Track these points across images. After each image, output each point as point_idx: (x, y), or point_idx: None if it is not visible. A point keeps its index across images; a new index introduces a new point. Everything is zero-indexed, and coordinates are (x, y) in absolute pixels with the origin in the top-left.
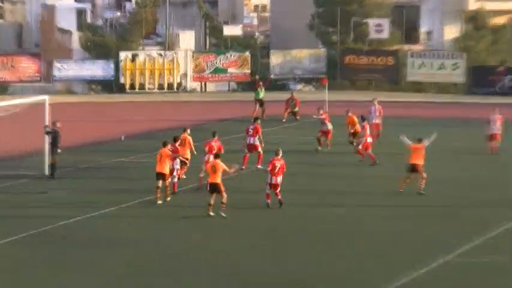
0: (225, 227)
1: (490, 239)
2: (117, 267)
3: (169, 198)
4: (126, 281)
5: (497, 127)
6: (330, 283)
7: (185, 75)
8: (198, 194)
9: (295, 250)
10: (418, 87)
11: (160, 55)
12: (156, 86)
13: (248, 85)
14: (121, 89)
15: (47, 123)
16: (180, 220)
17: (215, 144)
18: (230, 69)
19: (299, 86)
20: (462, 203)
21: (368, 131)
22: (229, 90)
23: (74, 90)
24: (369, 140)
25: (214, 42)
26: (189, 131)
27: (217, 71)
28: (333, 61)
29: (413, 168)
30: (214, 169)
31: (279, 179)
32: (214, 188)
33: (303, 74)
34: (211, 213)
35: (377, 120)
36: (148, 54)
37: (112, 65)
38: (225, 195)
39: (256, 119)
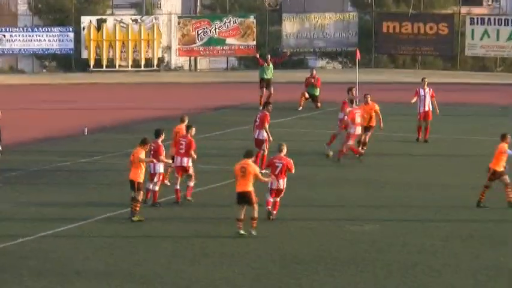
0: (216, 252)
1: None
2: None
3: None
4: None
5: None
6: None
7: (169, 48)
8: (180, 207)
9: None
10: (481, 63)
11: (136, 21)
12: (130, 62)
13: (253, 61)
14: (83, 66)
15: None
16: (162, 242)
17: (183, 141)
18: (229, 40)
19: (321, 63)
20: None
21: (358, 119)
22: (227, 68)
23: (21, 68)
24: (357, 131)
25: (207, 3)
26: (186, 119)
27: (211, 42)
28: (366, 29)
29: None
30: (244, 173)
31: (282, 182)
32: (243, 199)
33: (327, 46)
34: (242, 232)
35: (426, 108)
36: (119, 20)
37: (71, 35)
38: (256, 207)
39: (266, 104)
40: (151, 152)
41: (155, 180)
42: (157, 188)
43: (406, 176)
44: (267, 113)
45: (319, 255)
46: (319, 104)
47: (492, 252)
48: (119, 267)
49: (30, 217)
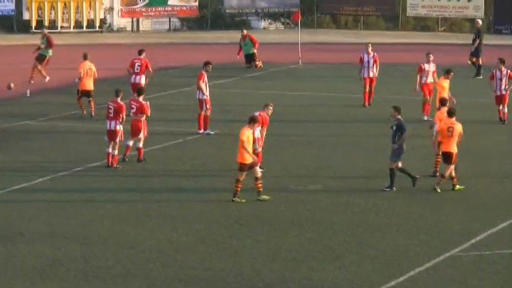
0: (160, 213)
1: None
2: (22, 266)
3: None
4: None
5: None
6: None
7: (111, 9)
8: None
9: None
10: (423, 23)
11: None
12: (73, 23)
13: (196, 22)
14: (25, 27)
15: None
16: (105, 204)
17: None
18: (171, 1)
19: (263, 23)
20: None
21: None
22: (170, 29)
23: None
24: None
25: None
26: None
27: (153, 3)
28: None
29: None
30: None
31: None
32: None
33: (269, 6)
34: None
35: (371, 74)
36: None
37: None
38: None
39: (205, 63)
40: (112, 111)
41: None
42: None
43: (348, 138)
44: (203, 73)
45: (263, 216)
46: (258, 63)
47: (435, 212)
48: (63, 229)
49: None
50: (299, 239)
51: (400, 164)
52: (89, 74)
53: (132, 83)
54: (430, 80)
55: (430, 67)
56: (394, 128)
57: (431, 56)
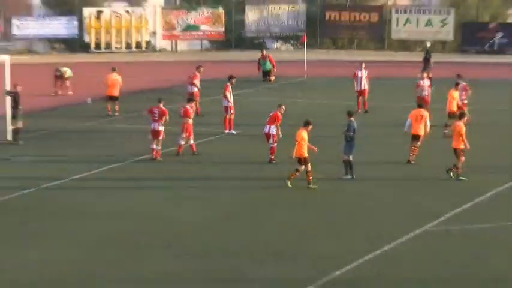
0: (193, 198)
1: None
2: (83, 239)
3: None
4: (94, 256)
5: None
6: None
7: (154, 33)
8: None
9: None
10: (404, 45)
11: (127, 12)
12: (124, 45)
13: (222, 44)
14: (85, 48)
15: (7, 85)
16: (152, 190)
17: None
18: (203, 27)
19: (276, 45)
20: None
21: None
22: (201, 49)
23: (35, 50)
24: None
25: None
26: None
27: (189, 28)
28: (312, 18)
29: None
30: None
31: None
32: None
33: (281, 31)
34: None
35: (362, 87)
36: (114, 10)
37: (75, 23)
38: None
39: (230, 77)
40: (157, 115)
41: (160, 138)
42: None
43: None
44: (228, 84)
45: (278, 198)
46: (271, 78)
47: (412, 196)
48: (117, 209)
49: (46, 170)
50: (307, 216)
51: (351, 158)
52: (114, 83)
53: (189, 92)
54: (363, 87)
55: (362, 73)
56: (346, 127)
57: (363, 64)
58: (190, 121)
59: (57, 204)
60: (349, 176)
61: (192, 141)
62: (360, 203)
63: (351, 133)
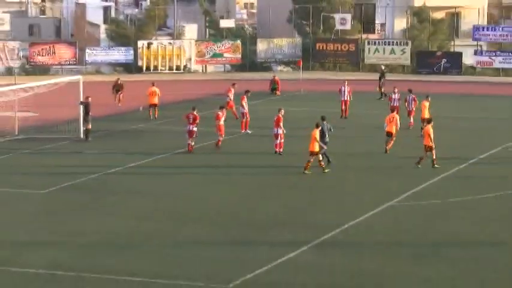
0: (218, 181)
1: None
2: (137, 212)
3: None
4: (145, 224)
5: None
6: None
7: (190, 59)
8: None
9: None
10: (374, 68)
11: (170, 43)
12: (167, 67)
13: (239, 67)
14: (139, 70)
15: (81, 97)
16: (192, 175)
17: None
18: (225, 54)
19: (279, 67)
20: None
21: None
22: (224, 70)
23: (102, 71)
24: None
25: (212, 32)
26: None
27: (215, 55)
28: (306, 47)
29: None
30: None
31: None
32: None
33: (283, 58)
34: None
35: (345, 98)
36: (160, 42)
37: (132, 51)
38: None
39: (246, 91)
40: (191, 119)
41: (194, 136)
42: (191, 142)
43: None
44: (244, 96)
45: (288, 182)
46: (278, 93)
47: (381, 178)
48: (160, 190)
49: (110, 159)
50: (302, 195)
51: (325, 148)
52: (154, 94)
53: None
54: (346, 98)
55: (345, 88)
56: (321, 128)
57: (346, 81)
58: (222, 122)
59: (117, 186)
60: (327, 160)
61: (221, 138)
62: (342, 185)
63: (324, 133)
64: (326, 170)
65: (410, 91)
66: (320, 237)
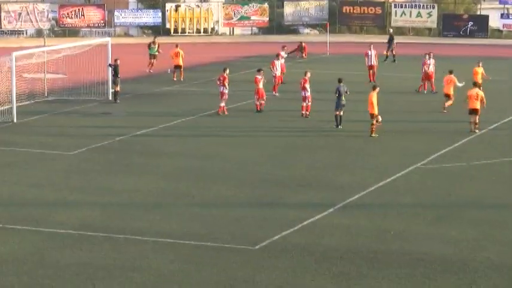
0: (246, 142)
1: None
2: (165, 171)
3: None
4: (173, 185)
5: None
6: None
7: (217, 22)
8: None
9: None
10: (400, 31)
11: (198, 6)
12: (195, 30)
13: (266, 29)
14: (167, 32)
15: (109, 59)
16: (215, 137)
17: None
18: (253, 17)
19: (306, 30)
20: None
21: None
22: (251, 33)
23: (130, 34)
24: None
25: None
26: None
27: (242, 18)
28: (333, 10)
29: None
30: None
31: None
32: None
33: (310, 21)
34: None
35: (372, 63)
36: (188, 5)
37: (160, 14)
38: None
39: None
40: (220, 80)
41: (224, 97)
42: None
43: (354, 97)
44: (274, 61)
45: (315, 143)
46: (304, 55)
47: (406, 142)
48: (188, 150)
49: (137, 121)
50: (328, 157)
51: (341, 113)
52: (178, 56)
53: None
54: (372, 63)
55: (372, 52)
56: (336, 90)
57: (372, 45)
58: (261, 86)
59: (146, 147)
60: (340, 127)
61: (262, 101)
62: (368, 148)
63: (337, 94)
64: (374, 135)
65: (429, 54)
66: (346, 199)
